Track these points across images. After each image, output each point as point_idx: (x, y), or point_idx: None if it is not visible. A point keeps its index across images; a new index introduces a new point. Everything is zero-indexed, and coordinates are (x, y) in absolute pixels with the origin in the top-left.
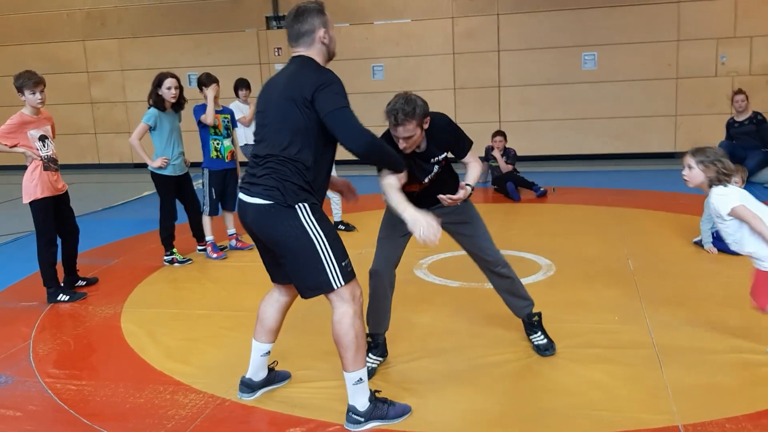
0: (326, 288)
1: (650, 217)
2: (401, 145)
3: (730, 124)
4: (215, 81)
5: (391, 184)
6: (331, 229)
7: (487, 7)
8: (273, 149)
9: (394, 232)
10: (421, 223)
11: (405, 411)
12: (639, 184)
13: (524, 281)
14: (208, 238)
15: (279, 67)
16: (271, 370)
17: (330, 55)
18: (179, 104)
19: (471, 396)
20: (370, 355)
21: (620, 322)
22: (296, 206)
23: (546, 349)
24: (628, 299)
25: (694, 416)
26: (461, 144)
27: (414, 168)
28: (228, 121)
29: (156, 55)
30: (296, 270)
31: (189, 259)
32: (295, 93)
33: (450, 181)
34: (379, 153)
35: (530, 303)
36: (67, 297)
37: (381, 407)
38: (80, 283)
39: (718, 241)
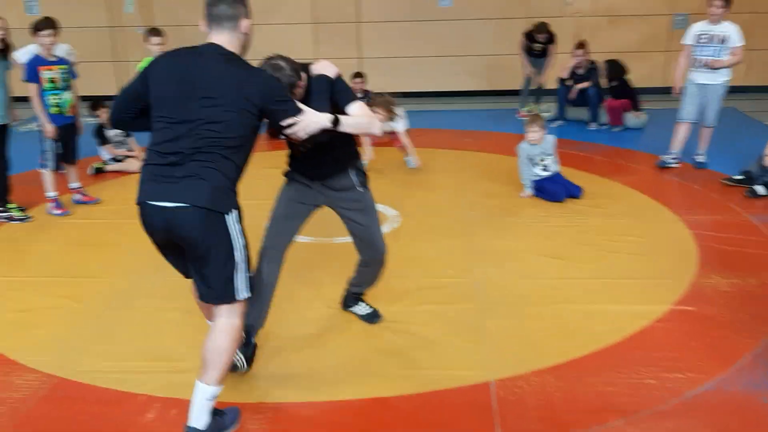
0: (232, 299)
1: (495, 161)
2: None
3: (574, 77)
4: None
5: None
6: (246, 240)
7: None
8: (207, 144)
9: (292, 208)
10: (310, 117)
11: (236, 412)
12: (489, 125)
13: None
14: (51, 194)
15: None
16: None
17: (244, 52)
18: (4, 51)
19: (304, 359)
20: (240, 350)
21: (452, 276)
22: (228, 213)
23: (373, 317)
24: (462, 252)
25: (505, 371)
26: (342, 95)
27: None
28: (66, 72)
29: None
30: (210, 276)
31: (29, 216)
32: (247, 96)
33: (342, 147)
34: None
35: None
36: None
37: (219, 419)
38: None
39: (540, 192)
